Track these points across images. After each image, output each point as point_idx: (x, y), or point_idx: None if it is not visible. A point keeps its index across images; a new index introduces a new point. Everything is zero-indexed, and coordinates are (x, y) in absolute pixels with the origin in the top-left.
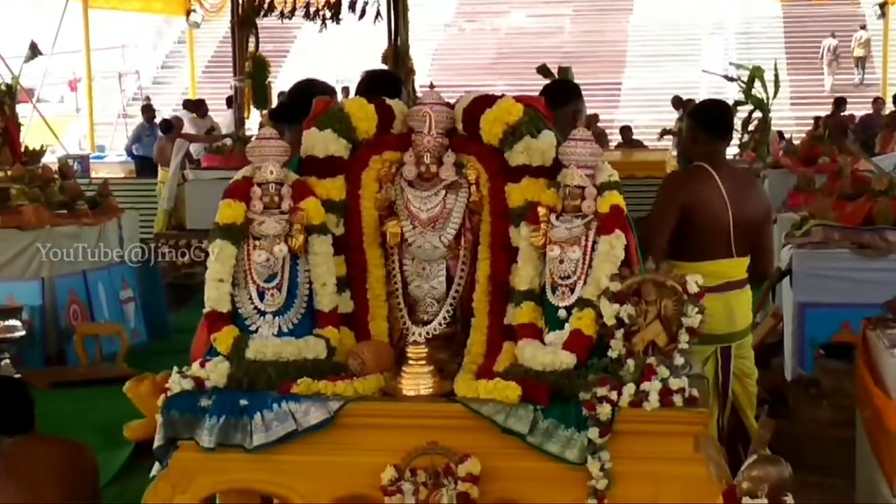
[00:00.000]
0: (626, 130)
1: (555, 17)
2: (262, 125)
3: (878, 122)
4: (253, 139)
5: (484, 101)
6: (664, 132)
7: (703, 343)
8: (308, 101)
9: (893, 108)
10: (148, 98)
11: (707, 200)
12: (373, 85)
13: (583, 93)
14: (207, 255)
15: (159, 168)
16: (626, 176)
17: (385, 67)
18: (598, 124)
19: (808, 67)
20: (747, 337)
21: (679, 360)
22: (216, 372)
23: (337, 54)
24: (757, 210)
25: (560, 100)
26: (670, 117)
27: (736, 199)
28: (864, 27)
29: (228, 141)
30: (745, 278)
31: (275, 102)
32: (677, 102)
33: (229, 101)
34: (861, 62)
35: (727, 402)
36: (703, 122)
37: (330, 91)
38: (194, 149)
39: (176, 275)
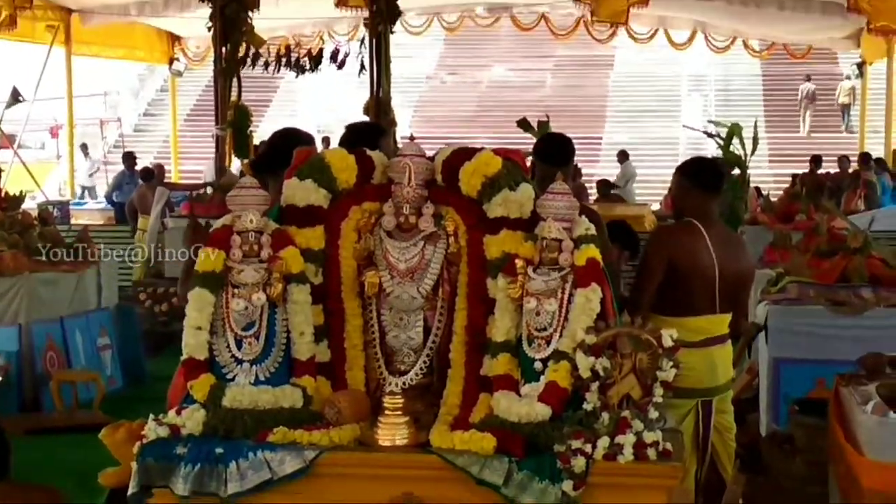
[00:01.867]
0: (604, 185)
1: (536, 72)
2: (242, 174)
3: (845, 180)
4: (233, 188)
5: (463, 154)
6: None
7: (684, 397)
8: (287, 149)
9: (856, 167)
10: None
11: (694, 255)
12: (357, 136)
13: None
14: (185, 303)
15: (139, 215)
16: None
17: (367, 119)
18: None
19: (787, 125)
20: (728, 391)
21: (653, 414)
22: (192, 419)
23: (319, 104)
24: (742, 268)
25: (565, 156)
26: (651, 172)
27: (723, 256)
28: (849, 77)
29: (209, 189)
30: (726, 333)
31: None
32: (622, 156)
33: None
34: (846, 109)
35: (706, 457)
36: (694, 177)
37: (308, 140)
38: None
39: (153, 322)
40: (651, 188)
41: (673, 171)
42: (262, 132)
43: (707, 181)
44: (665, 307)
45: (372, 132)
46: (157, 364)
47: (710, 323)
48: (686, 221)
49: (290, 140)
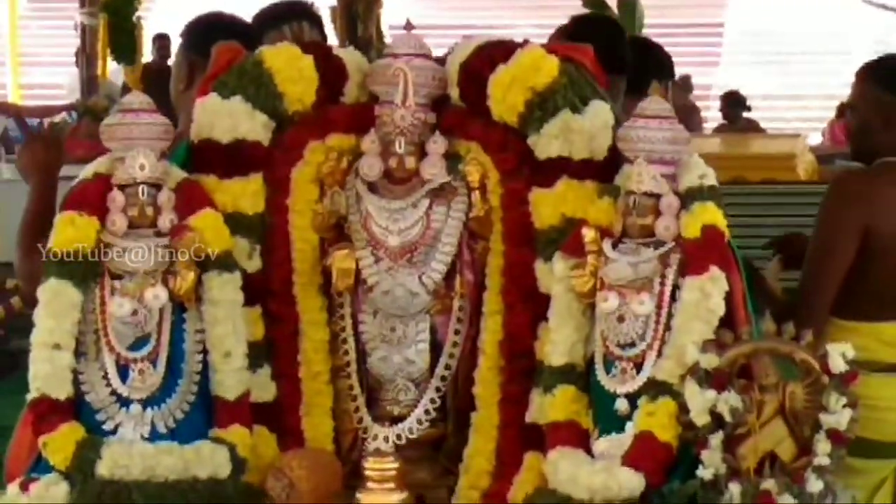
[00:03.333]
0: (732, 102)
1: None
2: (126, 89)
3: None
4: (112, 112)
5: (495, 52)
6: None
7: (875, 456)
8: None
9: None
10: None
11: None
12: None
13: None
14: (31, 305)
15: None
16: (731, 179)
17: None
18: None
19: None
20: None
21: (816, 485)
22: (49, 498)
23: None
24: None
25: (650, 64)
26: (807, 81)
27: None
28: None
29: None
30: None
31: (148, 52)
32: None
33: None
34: None
35: None
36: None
37: (248, 34)
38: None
39: None
40: (805, 108)
41: (850, 78)
42: (155, 20)
43: None
44: (848, 306)
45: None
46: None
47: None
48: (885, 165)
49: (218, 31)
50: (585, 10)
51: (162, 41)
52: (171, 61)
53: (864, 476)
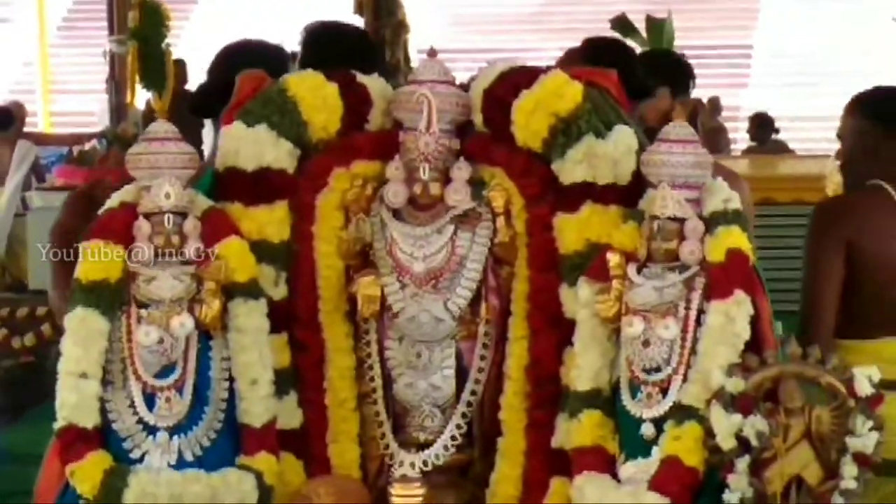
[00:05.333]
0: (760, 124)
1: None
2: (149, 116)
3: None
4: (138, 141)
5: (518, 78)
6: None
7: (888, 474)
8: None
9: None
10: None
11: (889, 239)
12: (321, 51)
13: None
14: (62, 333)
15: None
16: (760, 200)
17: (347, 22)
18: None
19: None
20: None
21: None
22: None
23: (277, 3)
24: None
25: (677, 78)
26: (837, 102)
27: None
28: None
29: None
30: None
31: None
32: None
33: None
34: None
35: None
36: (886, 117)
37: (277, 60)
38: None
39: (11, 366)
40: (834, 129)
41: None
42: (185, 46)
43: None
44: (846, 325)
45: (352, 44)
46: (17, 436)
47: None
48: (871, 188)
49: (246, 59)
50: (619, 34)
51: (178, 67)
52: (188, 86)
53: (876, 491)
